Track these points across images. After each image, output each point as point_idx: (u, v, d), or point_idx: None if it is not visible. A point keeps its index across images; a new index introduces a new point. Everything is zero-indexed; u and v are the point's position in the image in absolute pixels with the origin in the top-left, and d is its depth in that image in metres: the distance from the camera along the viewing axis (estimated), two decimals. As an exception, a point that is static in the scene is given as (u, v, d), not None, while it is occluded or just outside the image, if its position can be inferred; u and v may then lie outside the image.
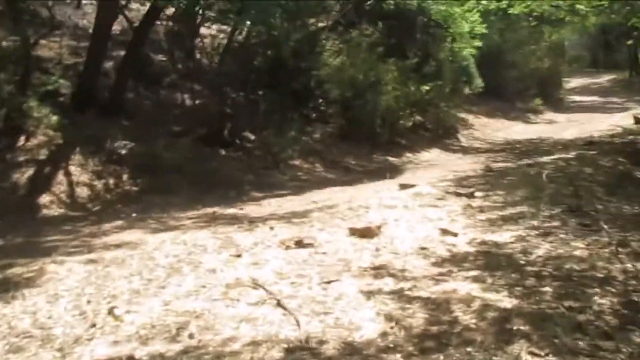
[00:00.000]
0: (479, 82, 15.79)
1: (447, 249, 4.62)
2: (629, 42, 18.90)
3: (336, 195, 7.46)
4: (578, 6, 13.07)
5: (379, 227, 5.14)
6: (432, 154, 11.66)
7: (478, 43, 14.79)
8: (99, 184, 8.21)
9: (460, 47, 14.67)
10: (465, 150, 12.09)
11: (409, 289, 3.80)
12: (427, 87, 12.65)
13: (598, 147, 9.89)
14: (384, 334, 3.18)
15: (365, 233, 5.07)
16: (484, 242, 4.79)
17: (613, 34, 28.59)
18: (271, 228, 5.60)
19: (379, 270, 4.18)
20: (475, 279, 3.90)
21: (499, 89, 17.58)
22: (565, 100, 21.58)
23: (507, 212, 5.76)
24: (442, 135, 12.87)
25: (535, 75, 19.59)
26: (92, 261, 4.78)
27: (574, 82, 26.88)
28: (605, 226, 4.91)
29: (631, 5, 11.66)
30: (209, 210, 7.18)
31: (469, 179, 7.61)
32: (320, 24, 12.08)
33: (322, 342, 3.13)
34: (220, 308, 3.63)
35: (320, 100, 11.26)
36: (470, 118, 14.92)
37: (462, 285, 3.82)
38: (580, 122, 16.20)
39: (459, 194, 6.53)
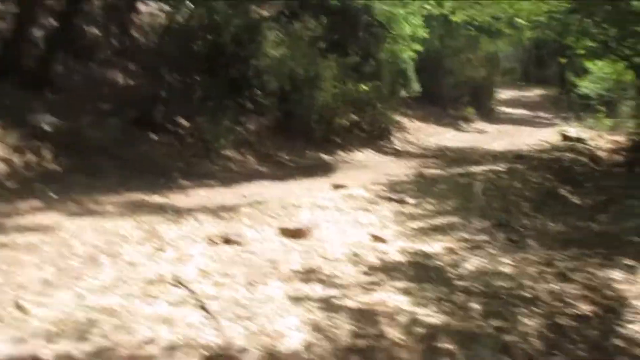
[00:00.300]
0: (416, 86, 15.93)
1: (377, 257, 4.57)
2: (562, 60, 19.60)
3: (267, 191, 7.30)
4: (517, 19, 13.40)
5: (310, 229, 5.03)
6: (366, 155, 11.66)
7: (418, 47, 14.90)
8: (17, 160, 7.69)
9: (401, 49, 14.74)
10: (398, 154, 12.16)
11: (337, 297, 3.70)
12: (366, 87, 12.62)
13: (527, 162, 10.16)
14: (308, 346, 3.07)
15: (296, 234, 4.95)
16: (414, 252, 4.76)
17: (545, 49, 29.58)
18: (198, 221, 5.39)
19: (308, 275, 4.07)
20: (405, 291, 3.85)
21: (435, 95, 17.82)
22: (496, 110, 22.16)
23: (437, 222, 5.79)
24: (377, 136, 12.90)
25: (470, 84, 20.00)
26: (1, 245, 4.43)
27: (505, 94, 27.67)
28: (532, 243, 4.99)
29: (566, 24, 12.04)
30: (135, 196, 6.85)
31: (401, 184, 7.63)
32: (264, 13, 11.81)
33: (243, 350, 2.99)
34: (138, 306, 3.42)
35: (258, 91, 11.01)
36: (405, 121, 15.04)
37: (391, 296, 3.76)
38: (510, 134, 16.65)
39: (391, 199, 6.52)
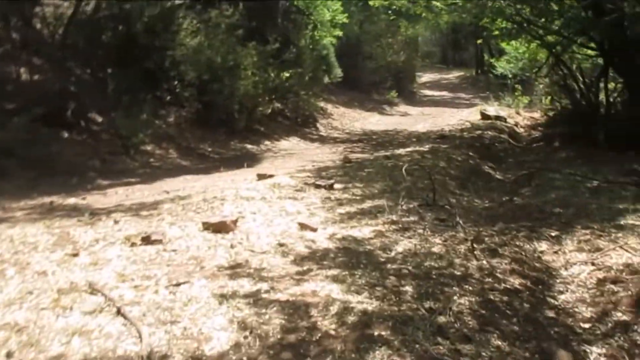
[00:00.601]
0: (338, 71, 15.92)
1: (306, 246, 4.41)
2: (479, 41, 20.07)
3: (190, 185, 7.02)
4: (434, 3, 13.52)
5: (234, 222, 4.82)
6: (291, 143, 11.50)
7: (338, 32, 14.88)
8: None
9: (321, 35, 14.66)
10: (323, 140, 12.07)
11: (266, 291, 3.53)
12: (287, 74, 12.45)
13: (450, 141, 10.27)
14: (236, 345, 2.89)
15: (220, 227, 4.72)
16: (343, 238, 4.64)
17: (462, 33, 30.36)
18: (115, 222, 5.07)
19: (234, 270, 3.87)
20: (335, 279, 3.72)
21: (357, 80, 17.89)
22: (418, 93, 22.52)
23: (366, 205, 5.69)
24: (301, 123, 12.77)
25: (391, 68, 20.21)
26: None
27: (426, 77, 28.26)
28: (460, 221, 4.97)
29: (482, 6, 12.22)
30: (46, 199, 6.43)
31: (328, 170, 7.51)
32: (177, 1, 11.38)
33: (166, 357, 2.78)
34: (49, 319, 3.14)
35: (176, 82, 10.64)
36: (329, 107, 14.98)
37: (321, 285, 3.61)
38: (432, 115, 16.91)
39: (317, 186, 6.37)
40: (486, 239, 4.74)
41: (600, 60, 12.73)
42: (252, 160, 9.51)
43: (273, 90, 12.04)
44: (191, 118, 10.46)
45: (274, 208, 5.49)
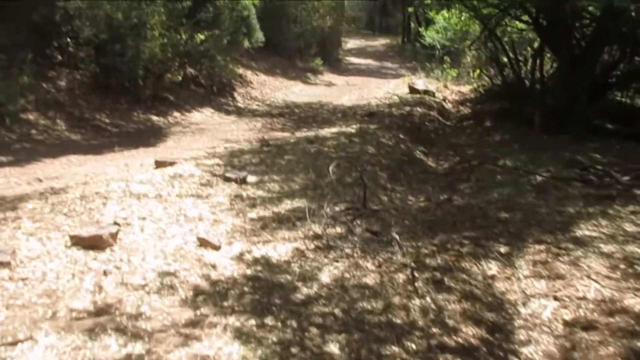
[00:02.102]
0: (260, 35, 14.63)
1: (203, 275, 3.41)
2: (410, 9, 19.37)
3: (72, 171, 5.81)
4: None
5: (114, 235, 3.73)
6: (204, 115, 10.28)
7: (260, -8, 13.61)
8: None
9: (242, -7, 13.32)
10: (240, 112, 10.90)
11: (139, 358, 2.52)
12: (202, 37, 11.10)
13: (379, 120, 9.40)
14: None
15: (94, 243, 3.64)
16: (253, 261, 3.66)
17: (390, -1, 29.58)
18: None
19: (98, 319, 2.83)
20: (239, 334, 2.76)
21: (280, 45, 16.65)
22: (343, 61, 21.53)
23: (283, 208, 4.72)
24: (217, 92, 11.51)
25: (317, 34, 19.06)
26: None
27: (351, 43, 27.24)
28: (396, 236, 4.09)
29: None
30: None
31: (242, 155, 6.45)
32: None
33: None
34: None
35: (68, 40, 9.14)
36: (248, 74, 13.74)
37: (218, 346, 2.65)
38: (358, 86, 16.01)
39: (227, 179, 5.33)
40: (427, 260, 3.90)
41: (531, 35, 12.32)
42: (156, 136, 8.29)
43: (185, 54, 10.69)
44: (87, 82, 9.03)
45: (171, 211, 4.43)
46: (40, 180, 5.30)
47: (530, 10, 10.13)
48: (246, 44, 13.96)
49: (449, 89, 15.02)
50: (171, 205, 4.55)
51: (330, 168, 4.98)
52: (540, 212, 5.00)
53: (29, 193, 4.80)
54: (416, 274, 3.54)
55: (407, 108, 11.26)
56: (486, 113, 11.54)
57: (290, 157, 6.40)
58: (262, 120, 10.01)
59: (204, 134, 8.60)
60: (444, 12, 14.52)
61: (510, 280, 3.78)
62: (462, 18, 13.50)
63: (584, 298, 3.44)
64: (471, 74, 15.80)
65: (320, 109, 11.69)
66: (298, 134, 8.30)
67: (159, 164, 5.65)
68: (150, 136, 8.23)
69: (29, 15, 8.63)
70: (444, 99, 13.81)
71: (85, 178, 5.27)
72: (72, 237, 3.67)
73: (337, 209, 4.72)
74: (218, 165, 5.85)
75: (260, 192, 5.11)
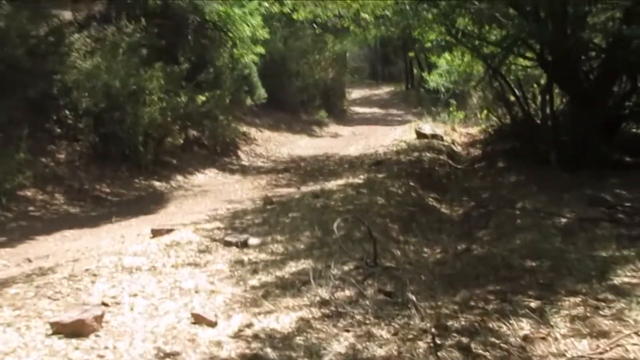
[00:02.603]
0: (262, 92, 14.54)
1: (197, 358, 3.02)
2: (411, 54, 19.38)
3: (65, 247, 5.50)
4: (363, 15, 12.50)
5: (99, 318, 3.37)
6: (207, 176, 10.02)
7: (260, 49, 13.51)
8: None
9: (242, 53, 13.26)
10: (245, 171, 10.64)
11: None
12: (203, 98, 10.96)
13: (386, 168, 9.08)
14: None
15: (77, 330, 3.28)
16: (253, 336, 3.28)
17: (391, 47, 29.76)
18: None
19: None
20: None
21: (283, 100, 16.56)
22: (348, 111, 21.43)
23: (287, 272, 4.35)
24: (221, 152, 11.29)
25: (320, 86, 19.00)
26: None
27: (356, 93, 27.23)
28: (412, 296, 3.69)
29: (412, 18, 11.29)
30: None
31: (245, 216, 6.12)
32: (67, 17, 9.77)
33: None
34: None
35: (67, 112, 9.00)
36: (252, 131, 13.55)
37: None
38: (365, 135, 15.79)
39: (228, 243, 4.99)
40: (450, 322, 3.48)
41: (536, 72, 12.09)
42: (157, 202, 8.00)
43: (186, 116, 10.54)
44: (87, 153, 8.83)
45: (165, 284, 4.07)
46: (30, 261, 4.98)
47: (534, 46, 9.93)
48: (249, 101, 13.84)
49: (457, 132, 14.73)
50: (165, 278, 4.20)
51: (335, 224, 4.61)
52: (570, 259, 4.58)
53: (15, 276, 4.48)
54: (438, 341, 3.13)
55: (416, 154, 10.95)
56: (497, 154, 11.18)
57: (295, 214, 6.06)
58: (267, 177, 9.72)
59: (207, 196, 8.31)
60: (446, 55, 14.40)
61: (546, 341, 3.34)
62: (465, 59, 13.32)
63: (636, 360, 3.01)
64: (478, 115, 15.58)
65: (326, 160, 11.41)
66: (304, 189, 7.99)
67: (156, 233, 5.33)
68: (151, 202, 7.94)
69: (26, 91, 8.50)
70: (453, 142, 13.51)
71: (77, 254, 4.95)
72: (52, 325, 3.31)
73: (345, 268, 4.34)
74: (218, 228, 5.52)
75: (262, 255, 4.75)
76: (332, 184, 7.92)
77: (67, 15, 9.87)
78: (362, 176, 8.35)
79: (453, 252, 5.26)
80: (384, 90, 29.81)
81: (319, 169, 10.47)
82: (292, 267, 4.46)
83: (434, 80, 18.55)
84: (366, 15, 13.25)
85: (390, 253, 5.08)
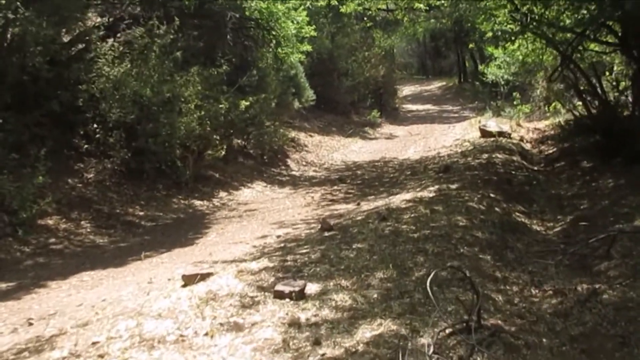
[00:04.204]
0: (310, 93, 13.45)
1: None
2: (470, 45, 18.18)
3: (79, 299, 4.46)
4: (417, 4, 11.29)
5: None
6: (255, 191, 8.93)
7: (307, 47, 12.41)
8: None
9: (287, 52, 12.17)
10: (296, 182, 9.52)
11: None
12: (246, 103, 9.90)
13: (457, 176, 7.80)
14: None
15: None
16: None
17: (442, 40, 28.37)
18: None
19: None
20: None
21: (333, 101, 15.44)
22: (401, 109, 20.13)
23: (360, 341, 3.18)
24: (268, 162, 10.21)
25: (370, 84, 17.80)
26: None
27: (406, 90, 25.91)
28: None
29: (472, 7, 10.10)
30: None
31: (299, 249, 4.97)
32: (92, 20, 8.85)
33: None
34: None
35: (95, 126, 8.06)
36: (302, 137, 12.44)
37: None
38: (422, 135, 14.50)
39: (279, 294, 3.84)
40: None
41: (608, 59, 10.73)
42: (196, 228, 6.93)
43: (228, 124, 9.50)
44: (118, 171, 7.87)
45: (195, 365, 2.96)
46: (31, 324, 3.94)
47: (615, 29, 8.63)
48: (296, 104, 12.77)
49: (523, 128, 13.31)
50: (196, 356, 3.08)
51: (429, 279, 3.39)
52: None
53: (2, 351, 3.44)
54: None
55: (485, 155, 9.63)
56: (576, 151, 9.78)
57: (360, 244, 4.87)
58: (320, 190, 8.58)
59: (254, 217, 7.20)
60: (509, 44, 13.02)
61: None
62: (531, 48, 11.88)
63: None
64: (542, 108, 14.18)
65: (384, 167, 10.20)
66: (365, 205, 6.81)
67: (189, 279, 4.23)
68: (190, 228, 6.89)
69: (48, 104, 7.60)
70: (521, 139, 12.12)
71: (90, 312, 3.89)
72: None
73: (436, 329, 3.14)
74: (267, 269, 4.38)
75: (324, 313, 3.58)
76: (398, 199, 6.70)
77: (92, 18, 8.94)
78: (431, 187, 7.11)
79: (572, 295, 3.97)
80: (435, 86, 28.37)
81: (378, 177, 9.26)
82: (365, 332, 3.28)
83: (492, 72, 17.17)
84: (421, 5, 12.06)
85: (490, 300, 3.86)
